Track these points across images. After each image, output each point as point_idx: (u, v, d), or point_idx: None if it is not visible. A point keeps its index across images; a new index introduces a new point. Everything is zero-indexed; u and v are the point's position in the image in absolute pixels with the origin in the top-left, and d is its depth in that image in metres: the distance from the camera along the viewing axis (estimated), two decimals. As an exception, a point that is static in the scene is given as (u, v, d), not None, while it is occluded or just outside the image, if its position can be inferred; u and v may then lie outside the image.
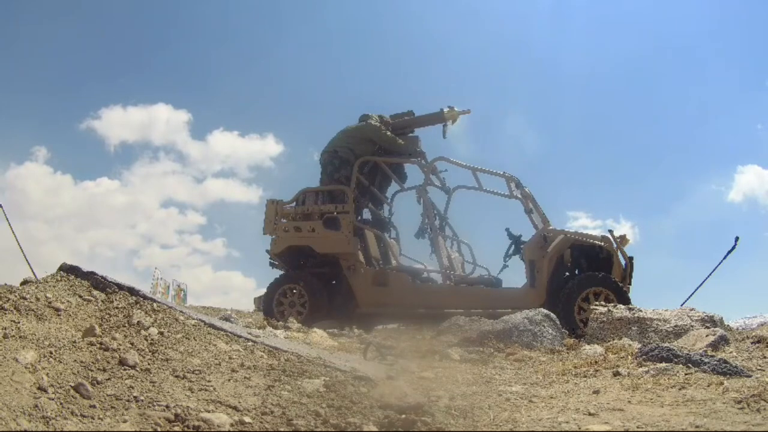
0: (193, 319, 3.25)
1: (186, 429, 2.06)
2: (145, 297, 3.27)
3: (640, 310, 5.34)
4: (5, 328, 2.57)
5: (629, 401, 2.78)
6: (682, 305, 6.57)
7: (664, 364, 3.54)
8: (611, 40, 28.95)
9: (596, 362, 3.98)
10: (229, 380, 2.59)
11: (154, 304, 3.23)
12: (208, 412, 2.20)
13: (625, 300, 6.38)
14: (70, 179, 27.06)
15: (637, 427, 2.30)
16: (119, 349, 2.63)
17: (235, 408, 2.30)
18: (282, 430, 2.16)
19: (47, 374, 2.29)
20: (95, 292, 3.19)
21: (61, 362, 2.41)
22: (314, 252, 7.60)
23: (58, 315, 2.84)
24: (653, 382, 3.16)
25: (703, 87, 29.53)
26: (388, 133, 8.17)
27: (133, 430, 2.01)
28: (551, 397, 3.02)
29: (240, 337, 3.23)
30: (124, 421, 2.06)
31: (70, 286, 3.16)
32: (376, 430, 2.22)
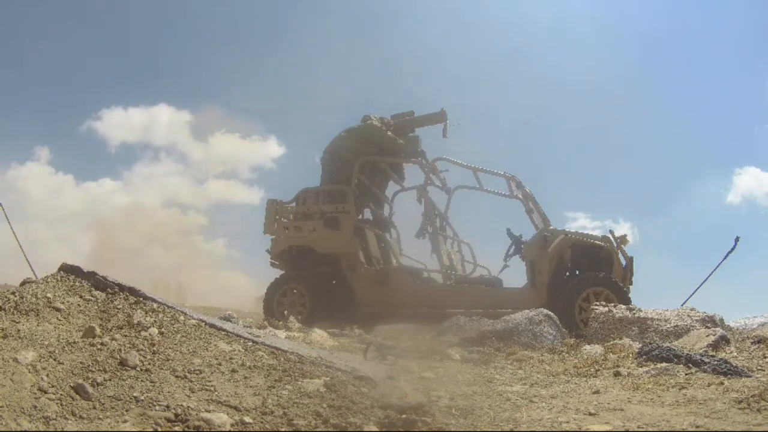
0: (194, 319, 3.24)
1: (187, 429, 2.06)
2: (145, 297, 3.26)
3: (641, 310, 5.34)
4: (5, 328, 2.57)
5: (630, 401, 2.78)
6: (682, 305, 6.56)
7: (664, 364, 3.55)
8: (610, 42, 28.96)
9: (597, 362, 3.98)
10: (229, 380, 2.59)
11: (155, 305, 3.22)
12: (209, 412, 2.20)
13: (625, 300, 6.37)
14: (71, 179, 27.06)
15: (638, 427, 2.30)
16: (120, 349, 2.63)
17: (235, 408, 2.30)
18: (282, 430, 2.16)
19: (47, 375, 2.29)
20: (96, 293, 3.18)
21: (61, 363, 2.41)
22: (315, 252, 7.59)
23: (59, 315, 2.84)
24: (654, 382, 3.16)
25: (701, 89, 29.58)
26: (389, 133, 8.17)
27: (134, 430, 2.01)
28: (552, 397, 3.02)
29: (240, 337, 3.23)
30: (125, 422, 2.06)
31: (71, 287, 3.16)
32: (377, 430, 2.22)
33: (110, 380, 2.36)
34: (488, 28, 29.69)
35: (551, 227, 7.17)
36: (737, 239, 7.05)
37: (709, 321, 5.08)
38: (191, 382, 2.48)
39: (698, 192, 28.56)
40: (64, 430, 1.98)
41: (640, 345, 4.26)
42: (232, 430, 2.10)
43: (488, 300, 7.10)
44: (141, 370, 2.50)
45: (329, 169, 8.12)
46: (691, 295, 7.20)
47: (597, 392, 3.06)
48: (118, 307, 3.09)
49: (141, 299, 3.23)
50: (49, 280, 3.18)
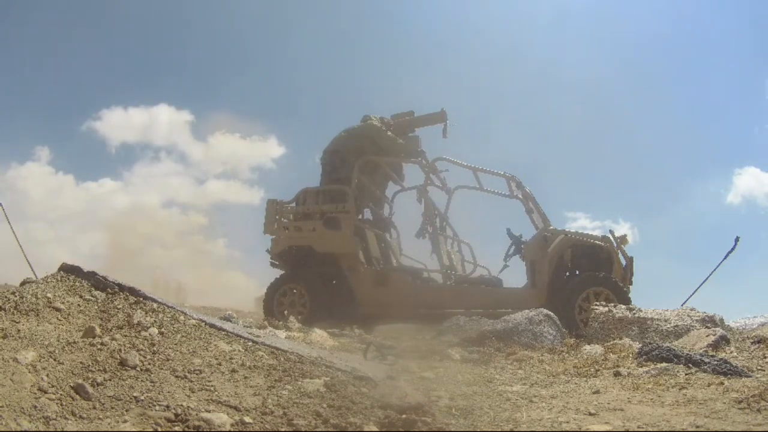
0: (194, 319, 3.24)
1: (187, 429, 2.06)
2: (145, 297, 3.26)
3: (641, 310, 5.34)
4: (5, 328, 2.57)
5: (630, 401, 2.78)
6: (682, 305, 6.57)
7: (664, 364, 3.54)
8: (609, 42, 29.00)
9: (597, 362, 3.98)
10: (229, 380, 2.59)
11: (155, 305, 3.22)
12: (209, 412, 2.20)
13: (625, 300, 6.38)
14: (71, 180, 27.13)
15: (638, 427, 2.30)
16: (120, 349, 2.63)
17: (235, 408, 2.30)
18: (282, 430, 2.16)
19: (47, 375, 2.29)
20: (96, 292, 3.18)
21: (61, 363, 2.41)
22: (315, 252, 7.59)
23: (59, 315, 2.84)
24: (654, 382, 3.16)
25: (702, 89, 29.64)
26: (389, 133, 8.18)
27: (134, 430, 2.01)
28: (552, 397, 3.02)
29: (241, 337, 3.23)
30: (125, 422, 2.06)
31: (71, 287, 3.16)
32: (377, 430, 2.22)
33: (110, 380, 2.36)
34: (488, 27, 29.71)
35: (551, 227, 7.17)
36: (737, 239, 7.06)
37: (709, 321, 5.08)
38: (191, 382, 2.48)
39: (698, 192, 28.62)
40: (64, 430, 1.98)
41: (640, 345, 4.26)
42: (232, 430, 2.10)
43: (488, 300, 7.10)
44: (141, 370, 2.50)
45: (329, 169, 8.12)
46: (691, 295, 7.21)
47: (597, 392, 3.06)
48: (118, 307, 3.09)
49: (141, 299, 3.23)
50: (49, 280, 3.18)
